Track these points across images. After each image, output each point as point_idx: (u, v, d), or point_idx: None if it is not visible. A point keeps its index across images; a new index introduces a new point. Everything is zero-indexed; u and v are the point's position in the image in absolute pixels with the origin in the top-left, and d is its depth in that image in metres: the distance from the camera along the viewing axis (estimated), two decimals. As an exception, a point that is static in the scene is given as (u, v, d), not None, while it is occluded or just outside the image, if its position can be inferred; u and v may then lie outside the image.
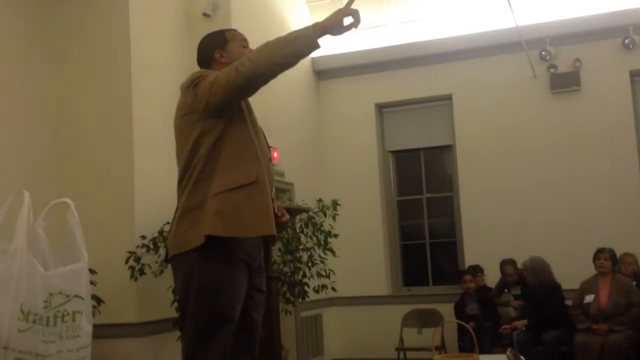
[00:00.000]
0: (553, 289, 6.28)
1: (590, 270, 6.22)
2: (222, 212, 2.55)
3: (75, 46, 5.16)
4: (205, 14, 5.85)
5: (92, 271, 4.29)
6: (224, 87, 2.53)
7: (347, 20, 2.52)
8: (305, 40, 2.49)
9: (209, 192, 2.59)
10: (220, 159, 2.61)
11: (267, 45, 2.53)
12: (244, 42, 2.87)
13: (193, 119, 2.64)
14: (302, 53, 2.52)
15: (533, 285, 6.33)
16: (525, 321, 6.25)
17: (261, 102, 5.71)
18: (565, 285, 6.37)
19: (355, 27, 2.53)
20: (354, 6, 2.54)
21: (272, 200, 2.76)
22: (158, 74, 5.25)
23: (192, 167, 2.63)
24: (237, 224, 2.56)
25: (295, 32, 2.54)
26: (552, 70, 7.22)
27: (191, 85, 2.66)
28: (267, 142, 2.87)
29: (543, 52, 7.19)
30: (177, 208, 2.69)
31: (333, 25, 2.51)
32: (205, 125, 2.62)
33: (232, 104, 2.62)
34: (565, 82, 7.20)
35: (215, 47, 2.84)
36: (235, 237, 2.59)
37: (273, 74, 2.55)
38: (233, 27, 5.69)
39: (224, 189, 2.58)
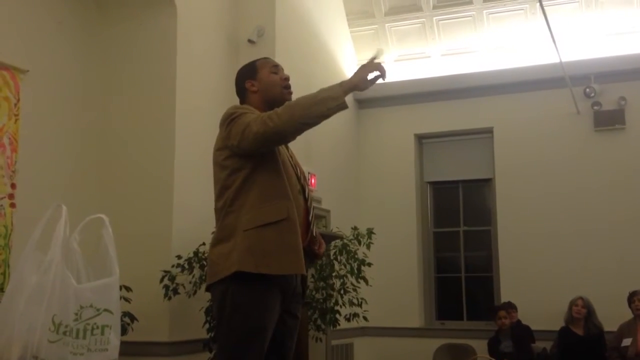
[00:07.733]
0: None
1: (629, 314, 6.08)
2: (253, 249, 2.61)
3: (122, 69, 5.29)
4: (250, 41, 5.93)
5: (127, 288, 4.38)
6: (254, 137, 2.62)
7: (372, 75, 2.64)
8: (334, 102, 2.59)
9: (238, 226, 2.66)
10: (251, 194, 2.68)
11: (297, 103, 2.63)
12: (273, 68, 2.94)
13: (225, 154, 2.73)
14: (330, 113, 2.61)
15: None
16: None
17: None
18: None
19: (383, 79, 2.65)
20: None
21: (311, 224, 2.82)
22: (202, 99, 5.35)
23: (224, 201, 2.71)
24: (268, 260, 2.61)
25: (324, 91, 2.62)
26: (596, 107, 7.11)
27: (225, 123, 2.75)
28: (300, 171, 2.92)
29: (587, 89, 7.10)
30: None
31: (359, 82, 2.62)
32: (238, 161, 2.71)
33: (261, 151, 2.70)
34: (609, 120, 7.09)
35: (246, 77, 2.94)
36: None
37: (300, 132, 2.65)
38: (277, 54, 5.89)
39: (255, 225, 2.64)
